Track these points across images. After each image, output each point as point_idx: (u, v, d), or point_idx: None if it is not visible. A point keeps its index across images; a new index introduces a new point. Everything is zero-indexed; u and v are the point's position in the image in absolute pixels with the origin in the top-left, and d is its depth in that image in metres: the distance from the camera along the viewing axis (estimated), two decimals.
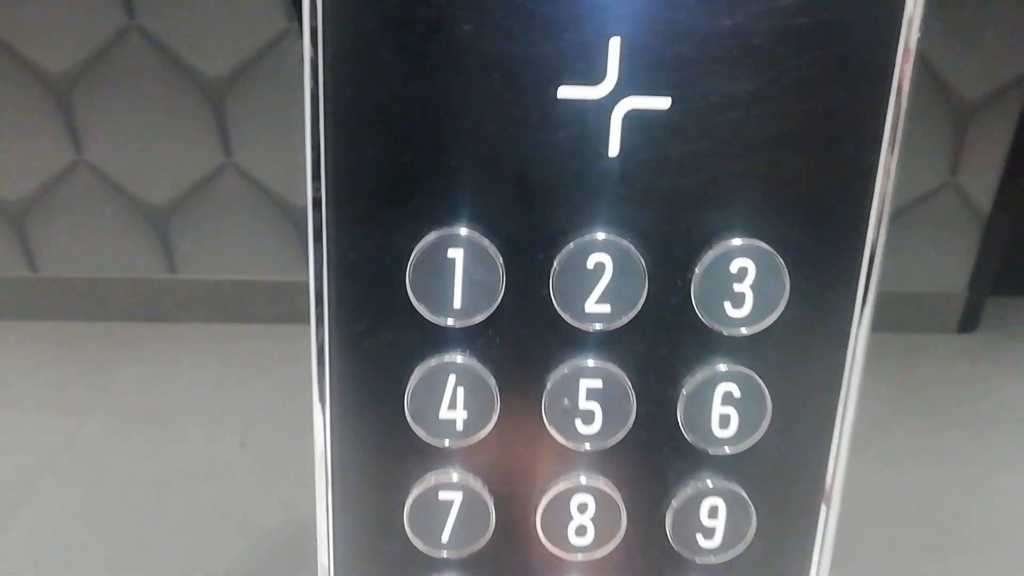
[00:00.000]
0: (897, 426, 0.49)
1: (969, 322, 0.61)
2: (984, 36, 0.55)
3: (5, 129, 0.68)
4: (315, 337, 0.16)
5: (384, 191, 0.15)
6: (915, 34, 0.14)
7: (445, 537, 0.16)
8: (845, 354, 0.16)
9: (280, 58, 0.65)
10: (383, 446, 0.16)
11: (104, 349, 0.71)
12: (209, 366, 0.69)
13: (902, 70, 0.14)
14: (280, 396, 0.63)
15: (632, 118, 0.15)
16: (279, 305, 0.73)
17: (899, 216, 0.59)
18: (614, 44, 0.14)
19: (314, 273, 0.15)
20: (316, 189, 0.15)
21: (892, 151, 0.14)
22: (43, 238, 0.74)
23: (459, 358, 0.16)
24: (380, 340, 0.16)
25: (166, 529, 0.46)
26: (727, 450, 0.16)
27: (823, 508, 0.17)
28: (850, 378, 0.16)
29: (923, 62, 0.54)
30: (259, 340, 0.73)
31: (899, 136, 0.15)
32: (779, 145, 0.15)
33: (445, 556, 0.17)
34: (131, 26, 0.65)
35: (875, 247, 0.15)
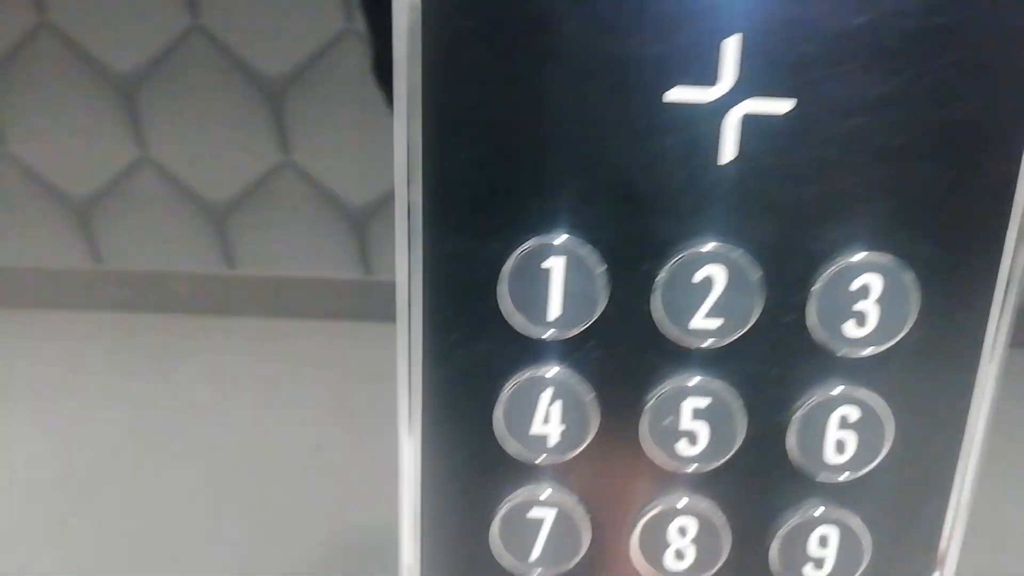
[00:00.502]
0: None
1: None
2: None
3: (74, 126, 0.70)
4: (404, 347, 0.15)
5: (481, 196, 0.14)
6: None
7: (534, 556, 0.16)
8: (975, 379, 0.15)
9: (338, 58, 0.65)
10: (472, 460, 0.16)
11: (165, 341, 0.72)
12: (267, 361, 0.70)
13: None
14: (338, 393, 0.64)
15: (749, 122, 0.14)
16: (334, 302, 0.74)
17: None
18: (730, 43, 0.13)
19: (404, 281, 0.15)
20: (411, 193, 0.14)
21: None
22: (108, 232, 0.75)
23: (555, 371, 0.15)
24: (472, 351, 0.15)
25: (225, 524, 0.46)
26: (841, 477, 0.15)
27: (943, 538, 0.16)
28: (980, 405, 0.15)
29: None
30: (316, 337, 0.73)
31: None
32: (910, 154, 0.14)
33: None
34: (194, 26, 0.65)
35: (1013, 264, 0.14)
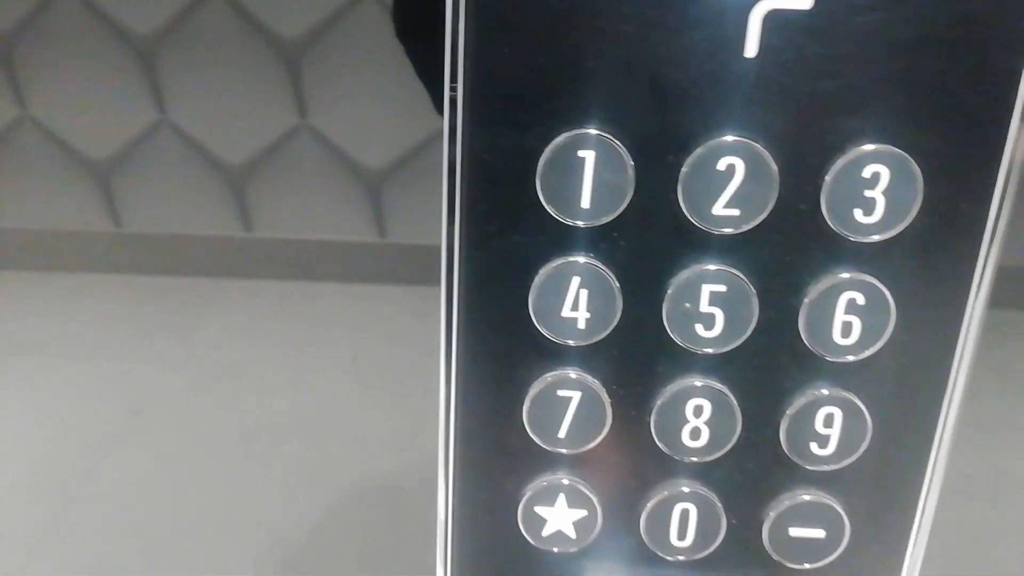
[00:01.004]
0: (979, 400, 0.49)
1: None
2: None
3: (92, 89, 0.71)
4: (445, 235, 0.16)
5: (519, 92, 0.15)
6: None
7: (562, 433, 0.17)
8: (975, 268, 0.16)
9: (355, 22, 0.66)
10: (507, 342, 0.17)
11: (185, 303, 0.73)
12: (285, 322, 0.71)
13: None
14: (353, 352, 0.65)
15: (772, 18, 0.15)
16: (351, 265, 0.75)
17: None
18: None
19: (447, 173, 0.16)
20: (453, 89, 0.15)
21: None
22: (127, 195, 0.76)
23: (583, 259, 0.16)
24: (509, 240, 0.16)
25: (249, 480, 0.47)
26: (848, 358, 0.16)
27: (940, 421, 0.17)
28: (978, 292, 0.16)
29: None
30: (332, 298, 0.74)
31: None
32: (922, 49, 0.15)
33: (562, 451, 0.17)
34: None
35: (1012, 159, 0.15)
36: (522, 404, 0.17)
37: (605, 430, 0.17)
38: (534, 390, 0.17)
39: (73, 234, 0.79)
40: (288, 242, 0.80)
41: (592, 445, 0.17)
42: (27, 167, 0.76)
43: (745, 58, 0.15)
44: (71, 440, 0.49)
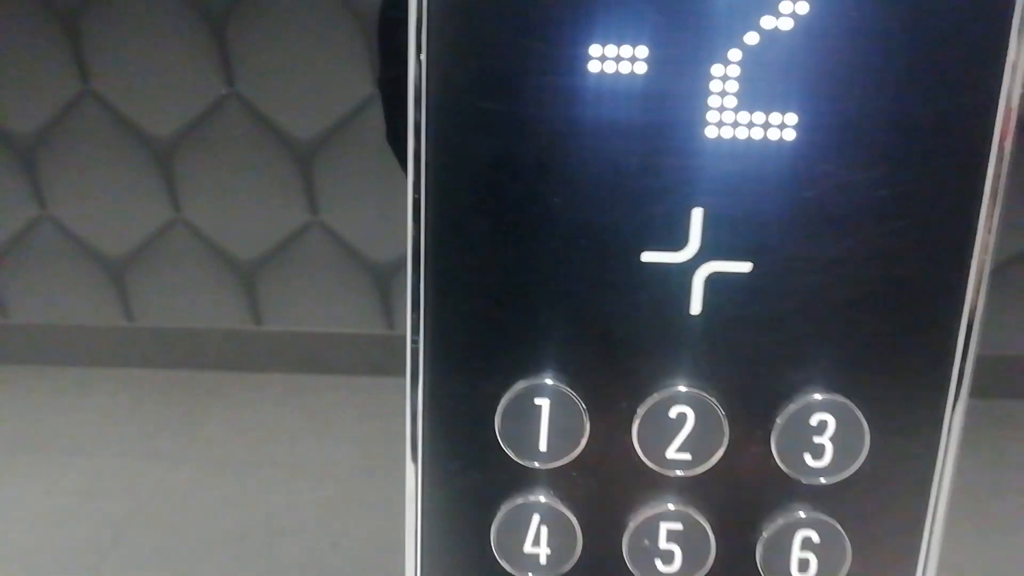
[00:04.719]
0: (995, 497, 0.47)
1: None
2: None
3: (110, 189, 0.73)
4: (410, 475, 0.17)
5: (478, 343, 0.16)
6: (995, 225, 0.14)
7: None
8: (927, 504, 0.16)
9: (364, 122, 0.68)
10: None
11: (192, 397, 0.74)
12: (291, 416, 0.71)
13: (984, 241, 0.15)
14: (358, 449, 0.65)
15: (714, 280, 0.15)
16: (357, 357, 0.76)
17: (1002, 271, 0.57)
18: (696, 213, 0.15)
19: (410, 416, 0.17)
20: (414, 341, 0.16)
21: (972, 325, 0.15)
22: (141, 290, 0.78)
23: (543, 498, 0.17)
24: (469, 478, 0.17)
25: None
26: None
27: None
28: (932, 527, 0.16)
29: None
30: (339, 392, 0.75)
31: (980, 300, 0.15)
32: (859, 307, 0.15)
33: None
34: (230, 93, 0.69)
35: (957, 400, 0.16)
36: None
37: None
38: None
39: (87, 329, 0.81)
40: (296, 335, 0.81)
41: None
42: (45, 264, 0.79)
43: (691, 315, 0.16)
44: (72, 539, 0.50)
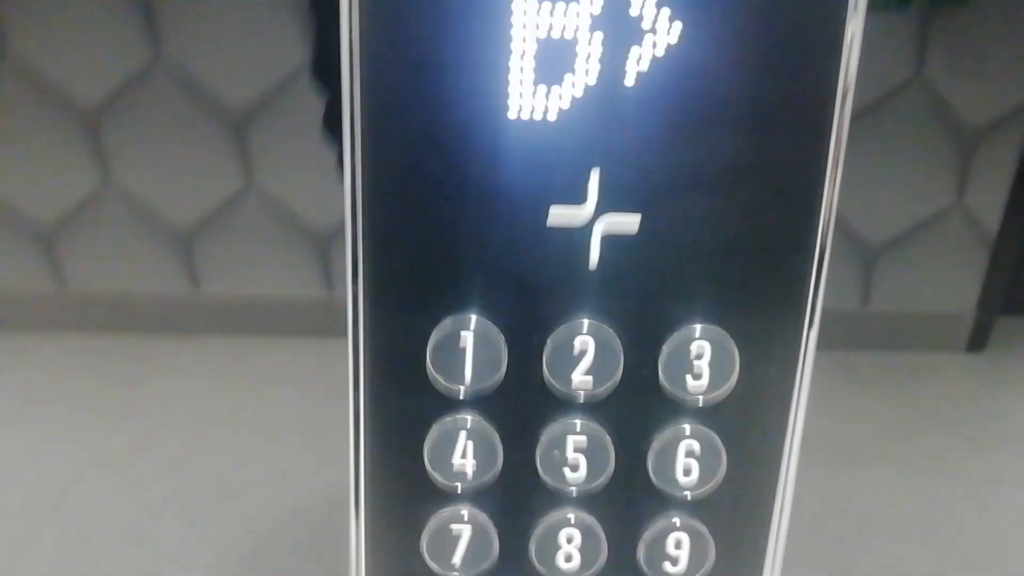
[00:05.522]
0: (906, 443, 0.50)
1: (978, 341, 0.61)
2: (989, 60, 0.56)
3: (39, 156, 0.72)
4: (352, 400, 0.19)
5: (410, 286, 0.19)
6: (837, 184, 0.17)
7: (457, 561, 0.20)
8: (788, 418, 0.19)
9: (300, 89, 0.69)
10: (406, 487, 0.20)
11: (131, 362, 0.73)
12: (233, 378, 0.72)
13: (829, 195, 0.18)
14: (300, 408, 0.66)
15: (609, 232, 0.18)
16: (297, 319, 0.77)
17: (909, 236, 0.60)
18: (594, 174, 0.18)
19: (352, 351, 0.19)
20: (355, 287, 0.19)
21: (821, 267, 0.18)
22: (72, 256, 0.77)
23: (469, 419, 0.19)
24: (405, 403, 0.19)
25: (191, 543, 0.48)
26: (688, 495, 0.20)
27: (771, 540, 0.20)
28: (792, 435, 0.20)
29: (930, 87, 0.55)
30: (280, 354, 0.76)
31: (826, 256, 0.18)
32: (729, 252, 0.18)
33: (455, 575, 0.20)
34: (159, 55, 0.68)
35: (810, 329, 0.19)
36: (420, 537, 0.20)
37: (492, 559, 0.20)
38: (431, 524, 0.20)
39: (17, 295, 0.80)
40: (235, 298, 0.82)
41: (483, 569, 0.20)
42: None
43: (590, 269, 0.18)
44: (7, 509, 0.50)
